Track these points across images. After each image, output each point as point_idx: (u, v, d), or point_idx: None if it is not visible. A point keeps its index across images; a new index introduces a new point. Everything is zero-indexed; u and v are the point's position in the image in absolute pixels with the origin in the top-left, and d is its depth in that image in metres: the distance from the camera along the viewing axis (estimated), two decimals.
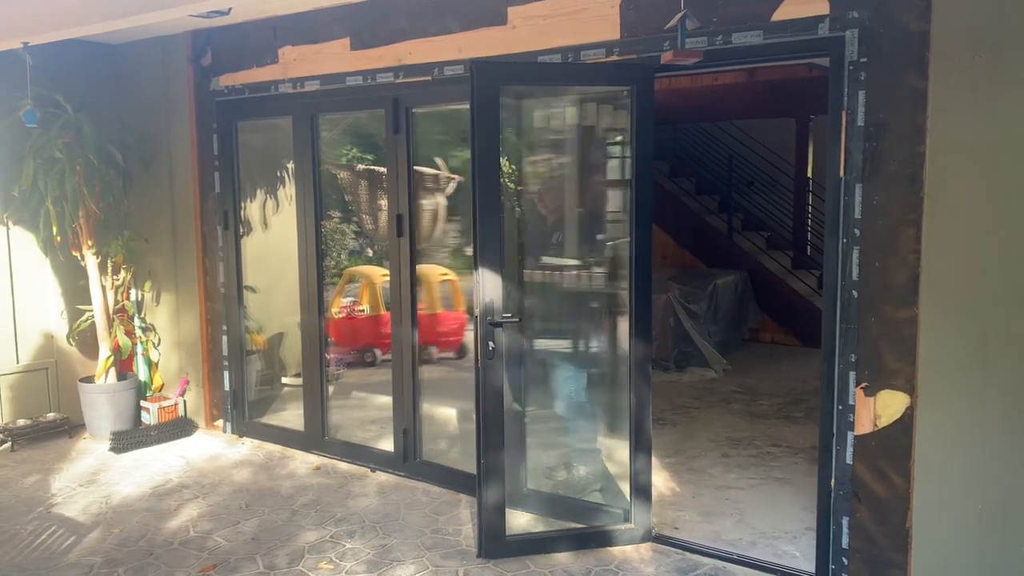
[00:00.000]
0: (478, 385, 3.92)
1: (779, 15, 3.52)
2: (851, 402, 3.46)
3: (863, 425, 3.44)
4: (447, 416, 5.95)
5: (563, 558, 3.95)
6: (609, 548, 4.05)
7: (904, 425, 3.34)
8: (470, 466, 4.61)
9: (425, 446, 5.12)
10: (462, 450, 5.15)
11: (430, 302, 8.52)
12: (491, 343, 3.86)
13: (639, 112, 3.92)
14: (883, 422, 3.39)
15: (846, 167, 3.41)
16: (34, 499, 4.83)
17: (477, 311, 3.85)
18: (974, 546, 3.23)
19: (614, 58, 4.01)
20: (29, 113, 5.21)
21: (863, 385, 3.43)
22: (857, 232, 3.39)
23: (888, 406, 3.38)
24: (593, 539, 4.12)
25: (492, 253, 3.85)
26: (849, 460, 3.49)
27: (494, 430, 3.94)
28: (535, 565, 3.87)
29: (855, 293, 3.42)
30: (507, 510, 4.05)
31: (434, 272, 8.66)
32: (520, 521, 4.33)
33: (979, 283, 3.14)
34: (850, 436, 3.48)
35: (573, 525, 4.23)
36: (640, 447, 4.13)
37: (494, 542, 3.98)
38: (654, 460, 5.28)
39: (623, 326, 4.13)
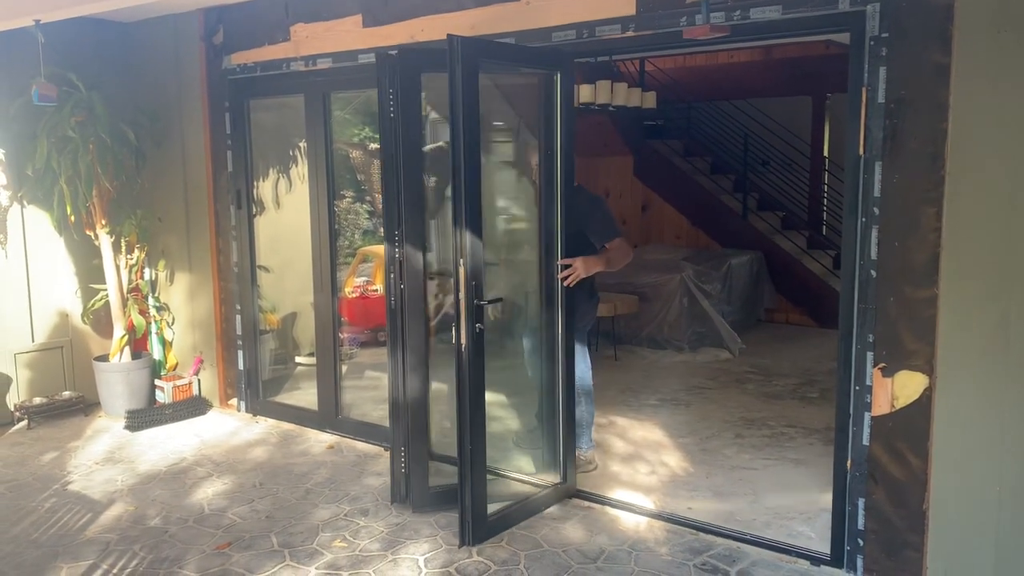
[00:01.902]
0: (460, 369, 3.82)
1: None
2: (868, 383, 3.43)
3: (880, 406, 3.41)
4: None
5: (575, 536, 3.94)
6: (621, 527, 4.05)
7: (922, 406, 3.30)
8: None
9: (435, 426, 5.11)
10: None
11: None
12: (479, 325, 3.79)
13: (564, 95, 4.16)
14: (901, 403, 3.36)
15: (866, 145, 3.35)
16: (50, 476, 4.86)
17: (462, 293, 3.75)
18: (991, 528, 3.20)
19: (630, 34, 3.95)
20: (34, 91, 5.22)
21: (881, 366, 3.39)
22: (876, 211, 3.34)
23: (906, 387, 3.34)
24: (541, 502, 4.25)
25: (475, 233, 3.77)
26: (866, 441, 3.46)
27: (478, 414, 3.88)
28: (548, 544, 3.87)
29: (874, 273, 3.37)
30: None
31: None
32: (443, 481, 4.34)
33: (1001, 263, 3.09)
34: (867, 417, 3.45)
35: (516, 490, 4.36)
36: (568, 404, 4.37)
37: (479, 528, 3.91)
38: (668, 440, 5.29)
39: (558, 299, 4.31)
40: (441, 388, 4.47)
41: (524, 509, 4.18)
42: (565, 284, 4.23)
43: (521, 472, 4.56)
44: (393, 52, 4.10)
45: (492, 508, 4.01)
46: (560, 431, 4.38)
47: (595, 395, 4.77)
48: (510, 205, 4.92)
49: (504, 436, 4.88)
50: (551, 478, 4.40)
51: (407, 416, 4.24)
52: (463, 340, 3.77)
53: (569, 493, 4.40)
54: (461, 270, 3.74)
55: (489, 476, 4.09)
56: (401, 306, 4.17)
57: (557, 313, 4.30)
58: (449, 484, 4.17)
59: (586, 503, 4.34)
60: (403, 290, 4.16)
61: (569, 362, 4.36)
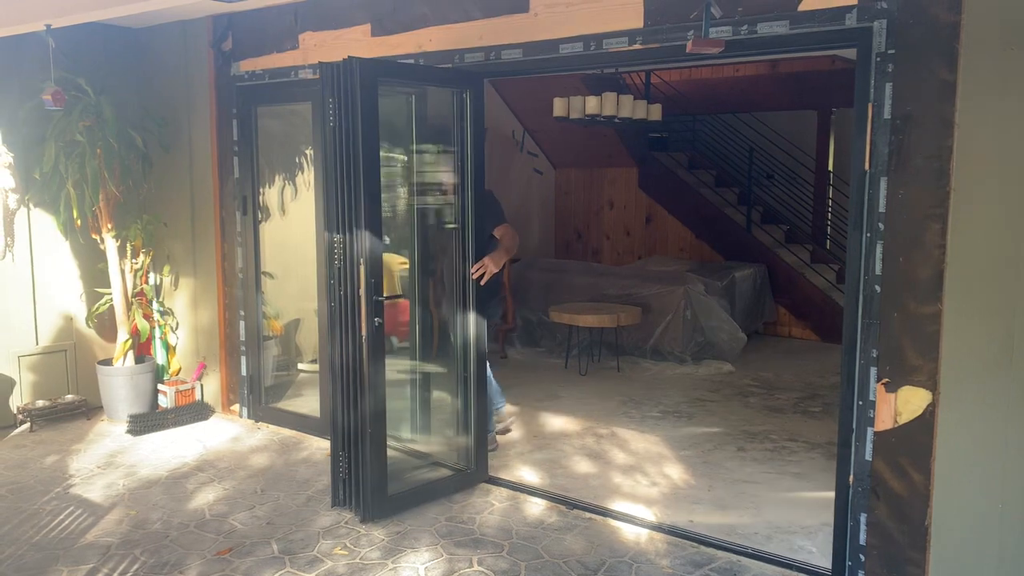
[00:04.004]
0: (362, 359, 4.13)
1: (806, 5, 3.47)
2: (871, 398, 3.43)
3: (883, 421, 3.41)
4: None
5: (576, 547, 3.94)
6: (622, 539, 4.04)
7: (925, 422, 3.30)
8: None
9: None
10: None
11: (391, 290, 8.49)
12: (377, 319, 4.10)
13: (473, 112, 4.52)
14: (904, 418, 3.36)
15: (871, 160, 3.36)
16: (52, 480, 4.87)
17: (361, 290, 4.07)
18: (994, 545, 3.19)
19: (636, 47, 3.97)
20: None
21: (884, 381, 3.39)
22: (881, 226, 3.35)
23: (909, 402, 3.34)
24: (449, 484, 4.62)
25: (374, 235, 4.09)
26: (868, 456, 3.46)
27: (379, 400, 4.19)
28: (549, 555, 3.87)
29: (878, 288, 3.38)
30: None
31: (395, 261, 8.68)
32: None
33: (1006, 279, 3.09)
34: (870, 432, 3.45)
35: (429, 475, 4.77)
36: (479, 390, 4.72)
37: (378, 503, 4.22)
38: (669, 452, 5.29)
39: (465, 296, 4.69)
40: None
41: (429, 490, 4.54)
42: (480, 283, 4.64)
43: (432, 456, 5.01)
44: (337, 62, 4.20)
45: (395, 488, 4.38)
46: (472, 421, 4.70)
47: (598, 405, 4.82)
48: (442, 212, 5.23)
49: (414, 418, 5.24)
50: (461, 463, 4.79)
51: (347, 421, 4.31)
52: (363, 332, 4.09)
53: (480, 479, 4.74)
54: (361, 269, 4.07)
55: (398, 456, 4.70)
56: (341, 311, 4.25)
57: (468, 311, 4.67)
58: (394, 491, 4.39)
59: (587, 514, 4.34)
60: (343, 295, 4.23)
61: (480, 356, 4.70)
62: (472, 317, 4.66)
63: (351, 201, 4.09)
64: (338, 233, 4.19)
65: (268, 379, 6.18)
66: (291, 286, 6.43)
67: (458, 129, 4.59)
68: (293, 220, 6.37)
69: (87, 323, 6.17)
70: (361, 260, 4.07)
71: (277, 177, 6.41)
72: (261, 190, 5.96)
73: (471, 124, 4.55)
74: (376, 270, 4.12)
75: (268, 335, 6.23)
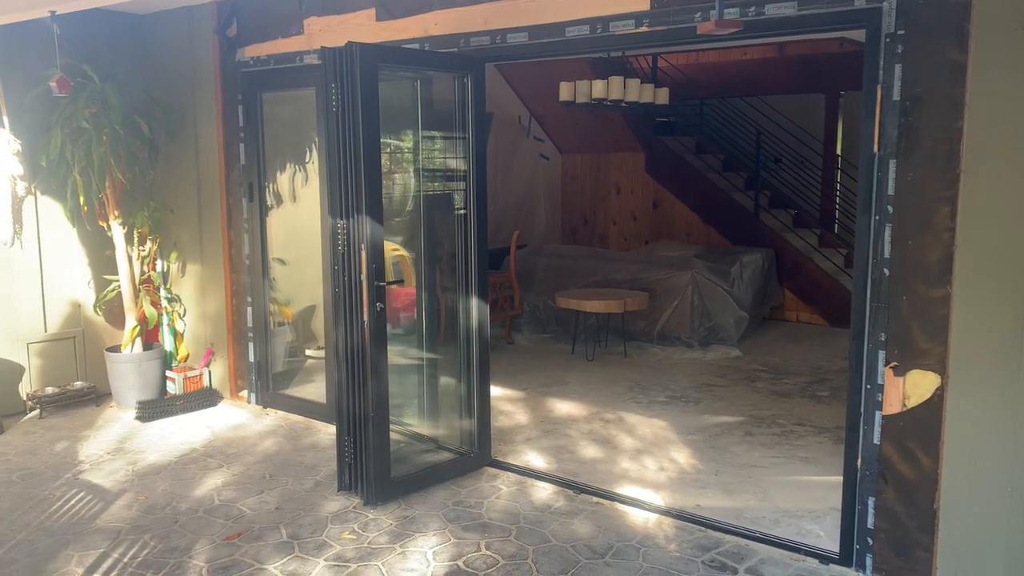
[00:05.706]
0: (365, 344, 4.16)
1: None
2: (880, 382, 3.42)
3: (892, 405, 3.40)
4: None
5: (584, 531, 3.95)
6: (630, 523, 4.05)
7: (934, 406, 3.29)
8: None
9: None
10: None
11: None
12: (379, 304, 4.13)
13: (475, 96, 4.55)
14: (912, 402, 3.35)
15: (880, 143, 3.33)
16: (62, 465, 4.90)
17: (363, 275, 4.10)
18: (1002, 528, 3.18)
19: (643, 29, 3.94)
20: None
21: (893, 365, 3.38)
22: (890, 209, 3.33)
23: (918, 386, 3.32)
24: (452, 468, 4.66)
25: (375, 221, 4.10)
26: (876, 440, 3.45)
27: (382, 384, 4.22)
28: (556, 539, 3.88)
29: (887, 271, 3.36)
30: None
31: (386, 248, 8.68)
32: None
33: (1016, 262, 3.07)
34: (878, 416, 3.44)
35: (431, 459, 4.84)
36: (481, 375, 4.74)
37: (381, 487, 4.27)
38: (677, 437, 5.29)
39: (468, 282, 4.74)
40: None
41: (433, 474, 4.57)
42: None
43: (438, 440, 5.06)
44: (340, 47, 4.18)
45: (398, 472, 4.44)
46: (475, 404, 4.73)
47: (605, 390, 4.80)
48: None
49: (417, 402, 5.27)
50: (465, 447, 4.83)
51: (351, 406, 4.33)
52: (365, 317, 4.12)
53: (483, 462, 4.77)
54: (363, 254, 4.09)
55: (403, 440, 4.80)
56: (345, 296, 4.26)
57: (472, 295, 4.71)
58: (397, 475, 4.42)
59: (595, 499, 4.34)
60: (346, 281, 4.25)
61: (483, 340, 4.72)
62: (475, 302, 4.65)
63: (353, 186, 4.10)
64: (341, 218, 4.19)
65: (278, 365, 6.20)
66: (304, 272, 6.43)
67: (459, 113, 4.59)
68: (305, 206, 6.36)
69: (95, 310, 6.19)
70: (363, 245, 4.09)
71: (286, 163, 6.40)
72: (269, 176, 5.96)
73: (472, 109, 4.55)
74: (377, 255, 4.13)
75: (280, 321, 6.24)
